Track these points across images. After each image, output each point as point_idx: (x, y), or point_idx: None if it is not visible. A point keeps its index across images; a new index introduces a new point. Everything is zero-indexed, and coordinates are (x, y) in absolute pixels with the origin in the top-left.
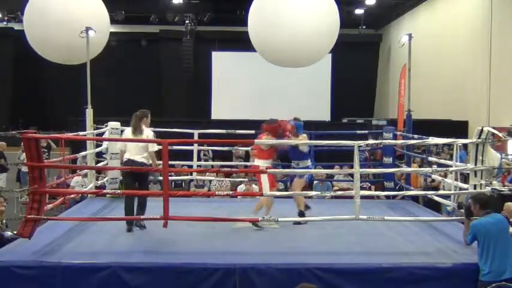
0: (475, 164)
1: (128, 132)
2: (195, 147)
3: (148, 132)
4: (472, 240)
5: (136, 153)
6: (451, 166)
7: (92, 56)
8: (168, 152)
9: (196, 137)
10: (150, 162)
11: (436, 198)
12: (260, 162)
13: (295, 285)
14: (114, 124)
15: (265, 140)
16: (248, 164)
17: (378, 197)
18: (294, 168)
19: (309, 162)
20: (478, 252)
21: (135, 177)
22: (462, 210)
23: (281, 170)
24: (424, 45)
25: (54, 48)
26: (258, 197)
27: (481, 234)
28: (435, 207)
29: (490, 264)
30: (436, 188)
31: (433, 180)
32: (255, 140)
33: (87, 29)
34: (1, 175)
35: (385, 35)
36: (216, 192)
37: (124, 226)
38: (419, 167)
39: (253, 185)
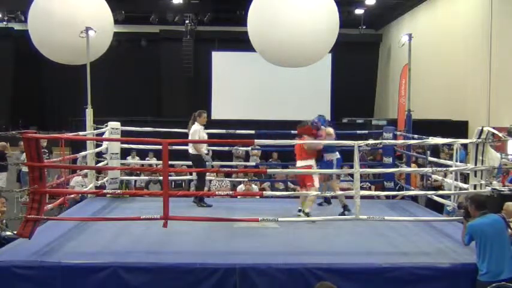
0: (475, 164)
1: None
2: None
3: (194, 128)
4: (469, 241)
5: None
6: (451, 166)
7: (96, 56)
8: (168, 152)
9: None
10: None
11: (436, 198)
12: (309, 162)
13: (295, 285)
14: (114, 124)
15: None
16: (248, 164)
17: (378, 197)
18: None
19: (335, 155)
20: (476, 253)
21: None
22: (462, 210)
23: (281, 170)
24: (424, 45)
25: (59, 49)
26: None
27: (477, 235)
28: (436, 207)
29: (487, 265)
30: (437, 188)
31: (435, 180)
32: (255, 140)
33: (87, 29)
34: (1, 175)
35: (385, 35)
36: (216, 192)
37: (123, 226)
38: (418, 167)
39: (253, 185)
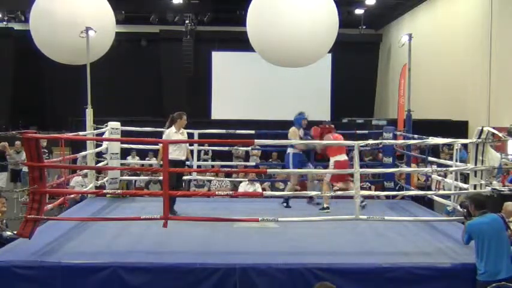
0: (475, 164)
1: None
2: (195, 147)
3: (166, 133)
4: (468, 240)
5: None
6: (451, 166)
7: (98, 56)
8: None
9: (196, 137)
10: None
11: (436, 198)
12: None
13: (295, 285)
14: (114, 124)
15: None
16: (248, 164)
17: (378, 197)
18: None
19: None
20: (475, 252)
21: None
22: (464, 210)
23: (282, 170)
24: (424, 45)
25: (61, 49)
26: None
27: (475, 234)
28: (428, 205)
29: (485, 264)
30: (430, 187)
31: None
32: (255, 140)
33: (87, 29)
34: (1, 175)
35: (385, 35)
36: (216, 192)
37: (123, 226)
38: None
39: (256, 184)
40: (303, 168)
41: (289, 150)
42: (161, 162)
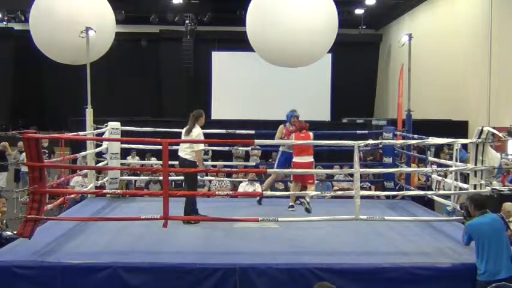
0: (475, 164)
1: (183, 131)
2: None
3: (197, 132)
4: (468, 241)
5: (181, 149)
6: (451, 166)
7: (98, 56)
8: (168, 152)
9: None
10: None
11: (436, 198)
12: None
13: (295, 285)
14: (114, 124)
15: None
16: (248, 164)
17: (378, 197)
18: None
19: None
20: (475, 252)
21: (183, 173)
22: (463, 211)
23: (282, 170)
24: (424, 45)
25: (61, 49)
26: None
27: (475, 234)
28: (428, 205)
29: (486, 264)
30: (429, 187)
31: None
32: (255, 140)
33: (87, 29)
34: (1, 175)
35: (385, 35)
36: (216, 192)
37: (123, 226)
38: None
39: (256, 184)
40: (289, 167)
41: (280, 148)
42: (200, 164)
